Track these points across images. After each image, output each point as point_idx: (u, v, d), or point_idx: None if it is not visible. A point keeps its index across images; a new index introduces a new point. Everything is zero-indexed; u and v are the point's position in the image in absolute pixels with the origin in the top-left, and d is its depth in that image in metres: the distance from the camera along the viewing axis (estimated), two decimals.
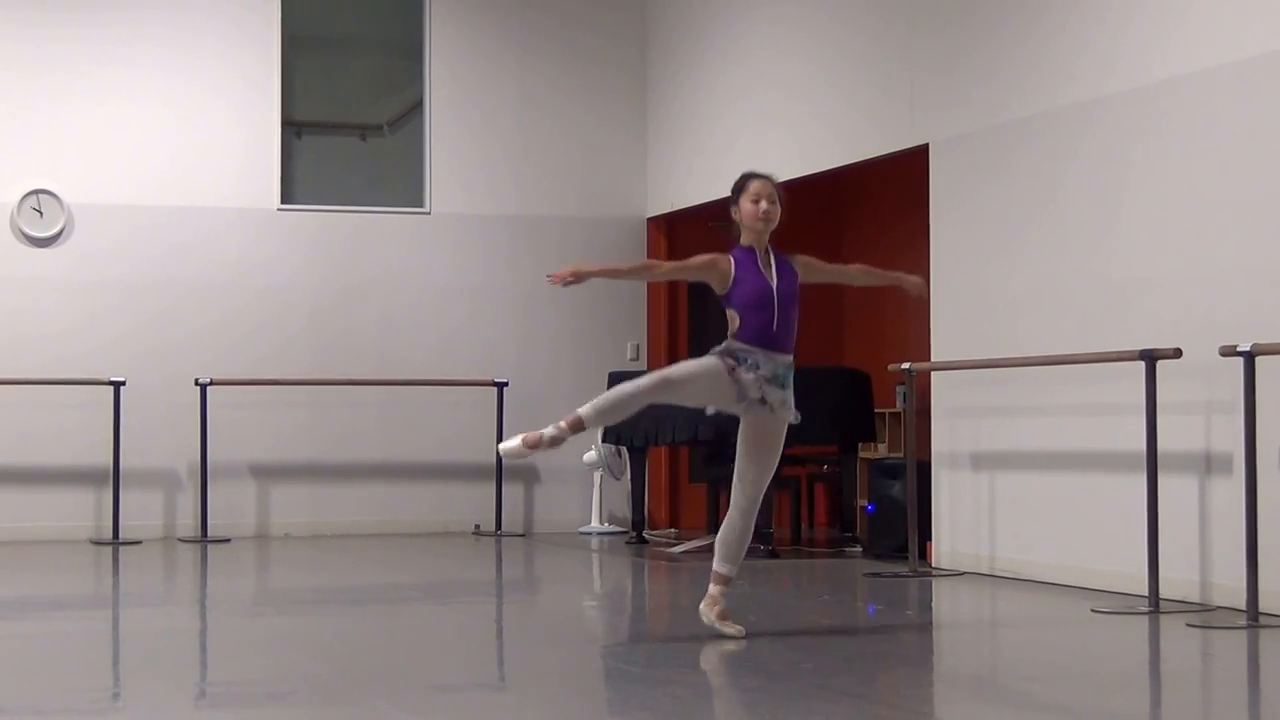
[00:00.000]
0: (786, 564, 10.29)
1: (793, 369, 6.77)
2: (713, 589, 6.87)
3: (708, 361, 6.68)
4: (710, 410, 6.88)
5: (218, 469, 12.16)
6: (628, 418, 6.79)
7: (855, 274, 7.65)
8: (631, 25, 13.42)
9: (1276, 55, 7.57)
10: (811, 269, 6.95)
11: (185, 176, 12.47)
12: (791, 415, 6.75)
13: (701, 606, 6.88)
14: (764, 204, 6.78)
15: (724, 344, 6.72)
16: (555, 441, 6.50)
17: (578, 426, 6.53)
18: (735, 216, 6.86)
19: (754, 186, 6.83)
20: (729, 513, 6.89)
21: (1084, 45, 8.77)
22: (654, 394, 6.62)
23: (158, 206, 12.41)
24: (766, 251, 6.83)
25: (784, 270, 6.80)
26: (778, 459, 6.86)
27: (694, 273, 6.91)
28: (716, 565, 6.87)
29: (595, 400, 6.61)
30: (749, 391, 6.62)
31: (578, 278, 6.70)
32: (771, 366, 6.66)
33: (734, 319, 6.73)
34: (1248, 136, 7.75)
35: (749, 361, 6.62)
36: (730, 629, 6.77)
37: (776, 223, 6.83)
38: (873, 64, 10.58)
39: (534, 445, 6.51)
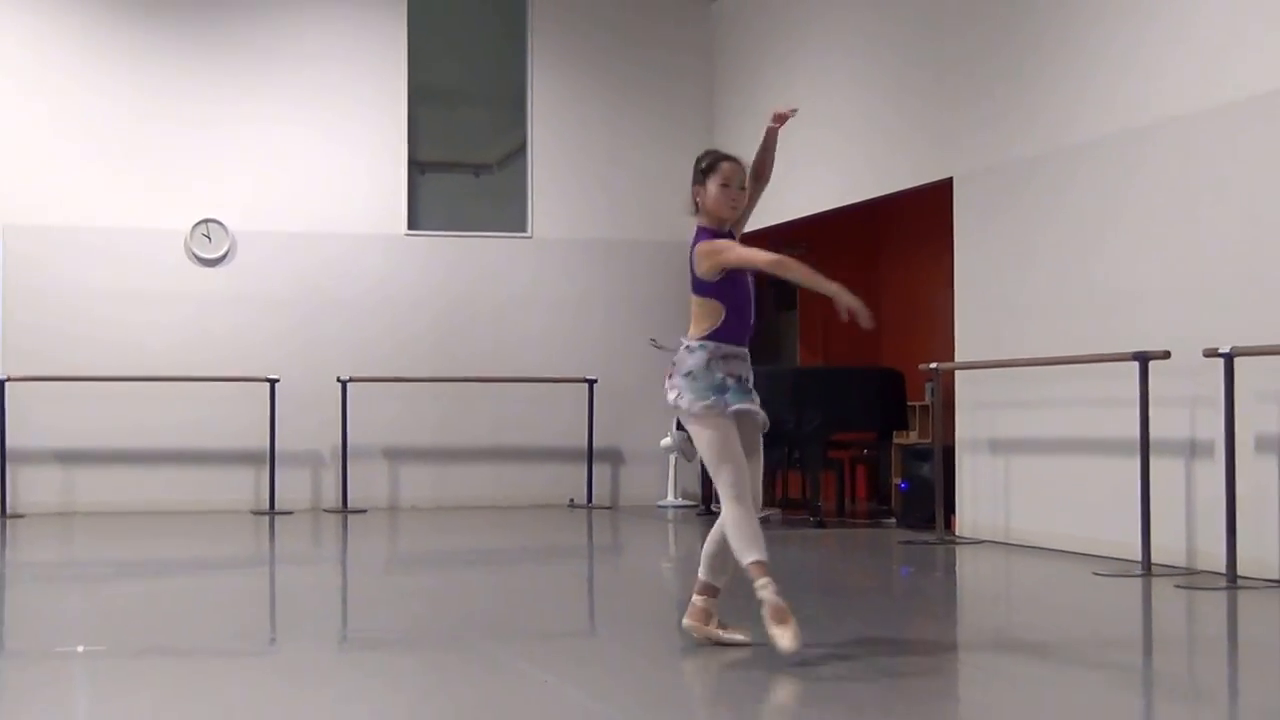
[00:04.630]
0: (832, 533, 10.26)
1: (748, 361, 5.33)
2: (697, 600, 5.34)
3: (714, 432, 5.14)
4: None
5: (356, 452, 12.26)
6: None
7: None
8: (701, 74, 13.41)
9: (1248, 102, 7.49)
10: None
11: (329, 208, 12.59)
12: (761, 417, 5.23)
13: (687, 621, 5.34)
14: (734, 190, 5.35)
15: (695, 362, 5.22)
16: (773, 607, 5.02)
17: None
18: (697, 198, 5.42)
19: (725, 169, 5.36)
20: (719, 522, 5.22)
21: (1085, 93, 8.70)
22: (743, 510, 5.09)
23: (306, 233, 12.53)
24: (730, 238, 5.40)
25: None
26: (760, 463, 5.29)
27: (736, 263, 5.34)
28: (704, 575, 5.34)
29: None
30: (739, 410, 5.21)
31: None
32: (739, 365, 5.28)
33: (715, 312, 5.30)
34: (1227, 170, 7.66)
35: (724, 376, 5.21)
36: (735, 635, 5.33)
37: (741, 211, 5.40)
38: (905, 107, 10.53)
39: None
